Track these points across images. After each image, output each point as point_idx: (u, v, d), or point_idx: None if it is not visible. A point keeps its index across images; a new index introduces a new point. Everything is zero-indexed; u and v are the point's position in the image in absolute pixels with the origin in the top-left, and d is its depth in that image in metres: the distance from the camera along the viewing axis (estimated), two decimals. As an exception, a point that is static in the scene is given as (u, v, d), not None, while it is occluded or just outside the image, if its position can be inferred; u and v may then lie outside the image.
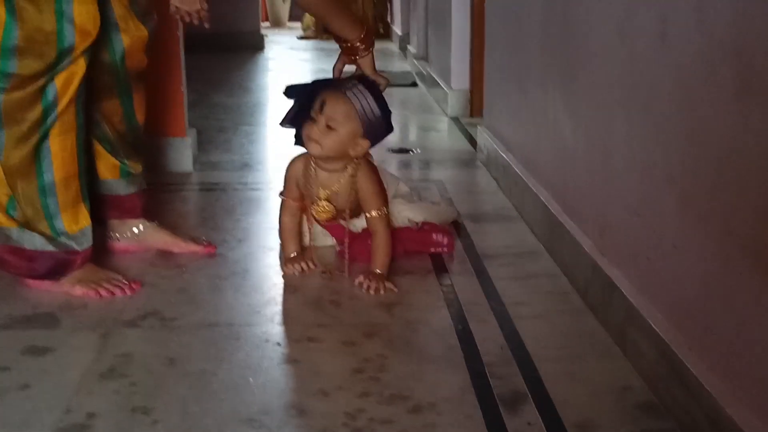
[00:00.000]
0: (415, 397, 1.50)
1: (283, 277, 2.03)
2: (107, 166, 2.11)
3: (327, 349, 1.69)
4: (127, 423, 1.43)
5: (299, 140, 2.02)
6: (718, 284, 1.31)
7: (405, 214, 2.17)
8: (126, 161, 2.12)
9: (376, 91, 1.96)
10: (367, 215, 1.98)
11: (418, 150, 3.48)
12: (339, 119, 1.91)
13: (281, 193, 2.09)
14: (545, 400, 1.49)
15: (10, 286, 1.99)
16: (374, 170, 2.01)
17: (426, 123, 4.15)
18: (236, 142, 3.64)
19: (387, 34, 8.85)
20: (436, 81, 4.63)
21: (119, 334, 1.76)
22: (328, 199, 2.01)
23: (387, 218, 1.99)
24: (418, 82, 5.36)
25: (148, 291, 1.97)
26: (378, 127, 1.96)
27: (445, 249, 2.15)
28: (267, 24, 10.58)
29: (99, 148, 2.08)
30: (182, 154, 3.06)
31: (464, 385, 1.55)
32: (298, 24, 10.04)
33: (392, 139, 3.22)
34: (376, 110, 1.93)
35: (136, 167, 2.15)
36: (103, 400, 1.50)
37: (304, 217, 2.12)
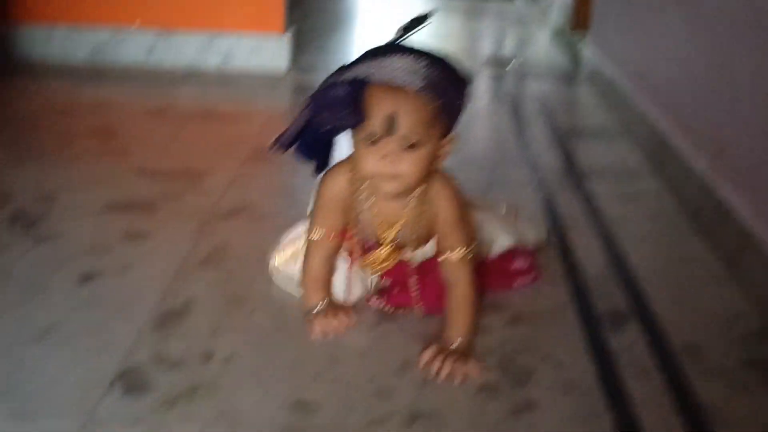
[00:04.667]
0: (513, 308, 1.46)
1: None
2: None
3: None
4: (225, 310, 1.42)
5: (324, 163, 1.35)
6: None
7: (499, 240, 1.51)
8: None
9: (443, 59, 1.23)
10: (448, 257, 1.31)
11: (516, 60, 3.36)
12: (423, 130, 1.20)
13: (311, 228, 1.36)
14: (650, 320, 1.44)
15: (109, 171, 2.00)
16: (452, 184, 1.32)
17: (524, 36, 4.02)
18: (333, 44, 3.58)
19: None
20: (536, -7, 4.48)
21: (215, 225, 1.75)
22: (394, 240, 1.34)
23: (475, 258, 1.35)
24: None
25: (244, 185, 1.95)
26: (461, 108, 1.26)
27: (532, 279, 1.52)
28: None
29: None
30: (278, 53, 3.01)
31: (564, 299, 1.50)
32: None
33: (487, 51, 3.12)
34: (459, 93, 1.25)
35: None
36: (199, 288, 1.49)
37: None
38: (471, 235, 1.33)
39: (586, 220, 1.83)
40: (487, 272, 1.44)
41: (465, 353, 1.27)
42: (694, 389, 1.25)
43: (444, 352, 1.27)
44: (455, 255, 1.30)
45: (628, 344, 1.37)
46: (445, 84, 1.20)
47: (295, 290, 1.44)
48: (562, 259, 1.64)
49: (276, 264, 1.48)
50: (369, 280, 1.41)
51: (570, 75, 3.15)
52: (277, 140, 1.30)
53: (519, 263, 1.50)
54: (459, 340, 1.29)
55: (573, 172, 2.11)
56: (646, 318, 1.44)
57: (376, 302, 1.42)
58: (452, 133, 1.27)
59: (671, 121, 2.06)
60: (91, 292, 1.47)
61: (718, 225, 1.67)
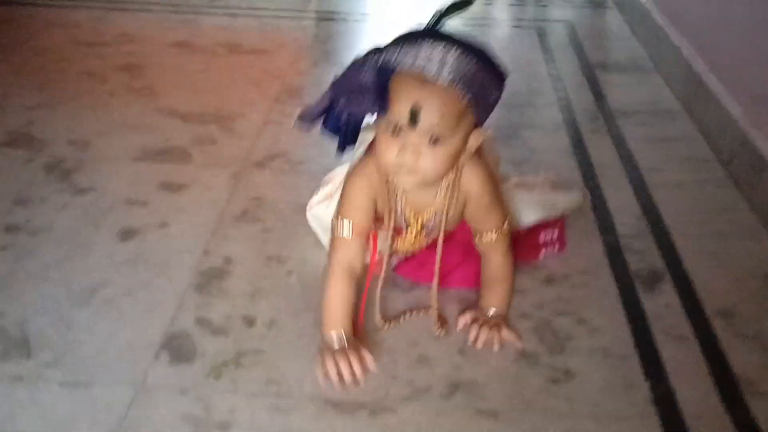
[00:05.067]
0: (548, 268, 1.47)
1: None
2: None
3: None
4: (263, 271, 1.45)
5: (348, 146, 1.26)
6: None
7: (525, 215, 1.48)
8: None
9: (480, 49, 1.15)
10: (484, 238, 1.31)
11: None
12: (449, 125, 1.13)
13: (337, 225, 1.27)
14: (684, 280, 1.45)
15: (140, 113, 2.00)
16: (485, 166, 1.28)
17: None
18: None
19: None
20: None
21: (249, 175, 1.76)
22: (422, 227, 1.31)
23: (508, 238, 1.33)
24: None
25: (276, 131, 1.95)
26: (495, 102, 1.19)
27: (557, 249, 1.50)
28: None
29: None
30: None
31: (599, 257, 1.51)
32: None
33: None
34: (492, 85, 1.16)
35: None
36: (238, 244, 1.51)
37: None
38: (504, 214, 1.31)
39: (617, 167, 1.83)
40: (514, 245, 1.37)
41: (501, 321, 1.29)
42: (728, 356, 1.27)
43: (481, 318, 1.29)
44: (492, 236, 1.30)
45: (663, 306, 1.39)
46: (478, 77, 1.12)
47: (321, 232, 1.45)
48: (594, 213, 1.65)
49: (312, 202, 1.48)
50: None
51: (599, 0, 3.09)
52: (301, 115, 1.24)
53: (546, 236, 1.48)
54: (494, 309, 1.30)
55: (604, 112, 2.10)
56: (680, 277, 1.46)
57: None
58: (481, 129, 1.20)
59: (707, 61, 2.03)
60: (132, 249, 1.50)
61: (752, 175, 1.67)
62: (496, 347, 1.26)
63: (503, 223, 1.30)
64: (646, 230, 1.60)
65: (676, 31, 2.27)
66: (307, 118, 1.23)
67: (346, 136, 1.22)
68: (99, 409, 1.14)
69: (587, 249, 1.54)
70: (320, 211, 1.46)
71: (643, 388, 1.21)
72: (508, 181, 1.49)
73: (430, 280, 1.31)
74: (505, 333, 1.27)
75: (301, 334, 1.29)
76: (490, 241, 1.30)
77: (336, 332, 1.22)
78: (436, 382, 1.21)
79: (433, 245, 1.31)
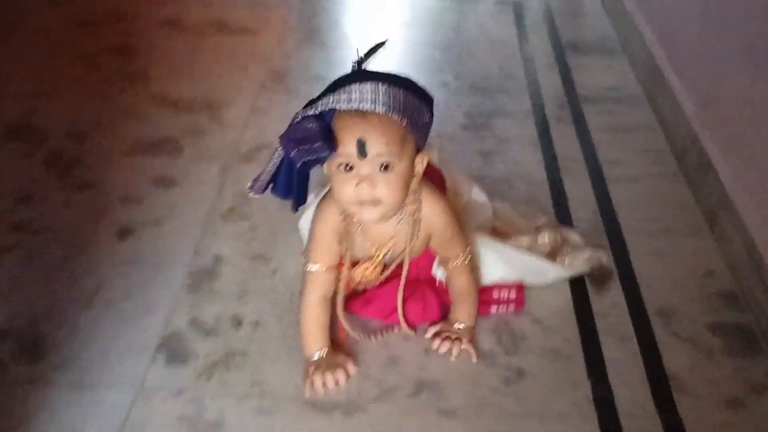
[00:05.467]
0: (510, 265, 1.62)
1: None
2: None
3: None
4: (250, 271, 1.59)
5: (300, 205, 1.37)
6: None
7: (496, 274, 1.52)
8: None
9: (404, 81, 1.25)
10: (450, 264, 1.41)
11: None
12: (396, 151, 1.23)
13: (307, 263, 1.38)
14: (631, 280, 1.60)
15: (134, 101, 2.12)
16: (441, 197, 1.38)
17: None
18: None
19: None
20: None
21: (237, 168, 1.89)
22: (383, 258, 1.40)
23: (474, 259, 1.44)
24: None
25: (262, 120, 2.08)
26: (427, 126, 1.30)
27: (513, 309, 1.51)
28: None
29: None
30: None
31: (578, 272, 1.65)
32: None
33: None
34: (423, 108, 1.27)
35: None
36: (226, 243, 1.66)
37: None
38: (466, 239, 1.42)
39: (579, 159, 1.96)
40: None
41: (464, 335, 1.43)
42: (663, 356, 1.43)
43: (448, 330, 1.43)
44: (458, 261, 1.40)
45: (610, 305, 1.54)
46: (409, 103, 1.23)
47: None
48: (555, 208, 1.79)
49: (301, 224, 1.59)
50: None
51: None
52: (253, 184, 1.33)
53: (502, 293, 1.52)
54: (462, 324, 1.43)
55: (570, 99, 2.22)
56: (627, 276, 1.61)
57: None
58: (424, 151, 1.30)
59: (667, 52, 2.14)
60: (129, 248, 1.64)
61: (701, 174, 1.80)
62: (452, 358, 1.40)
63: (467, 247, 1.41)
64: (600, 227, 1.74)
65: (642, 15, 2.37)
66: (259, 185, 1.32)
67: (298, 195, 1.33)
68: (104, 410, 1.30)
69: (546, 246, 1.68)
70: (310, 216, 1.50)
71: (585, 388, 1.37)
72: (517, 239, 1.57)
73: (377, 317, 1.45)
74: (464, 345, 1.41)
75: (284, 335, 1.44)
76: (457, 266, 1.41)
77: (318, 352, 1.37)
78: (403, 382, 1.37)
79: (386, 282, 1.44)
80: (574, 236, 1.65)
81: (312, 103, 1.24)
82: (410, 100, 1.24)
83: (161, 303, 1.51)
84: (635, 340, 1.47)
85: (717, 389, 1.37)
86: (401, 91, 1.23)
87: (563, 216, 1.77)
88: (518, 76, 2.34)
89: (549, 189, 1.86)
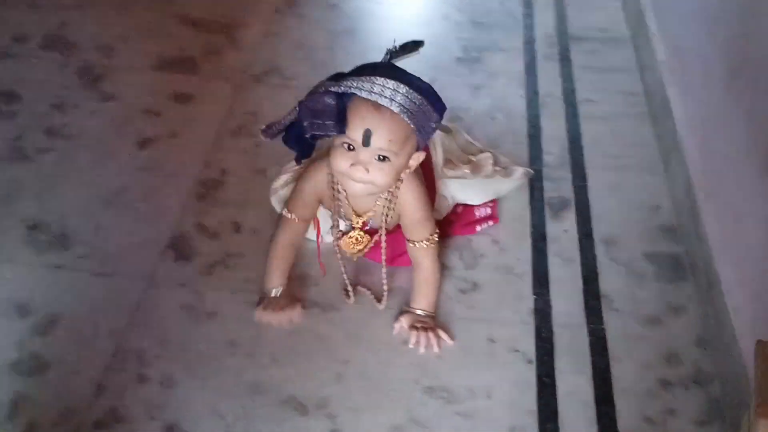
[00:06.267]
0: (480, 191, 1.84)
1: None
2: None
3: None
4: (252, 183, 1.82)
5: (304, 158, 1.49)
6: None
7: (457, 197, 1.73)
8: None
9: (425, 86, 1.39)
10: (415, 246, 1.52)
11: None
12: (396, 149, 1.37)
13: (285, 209, 1.56)
14: (585, 209, 1.82)
15: (158, 20, 2.32)
16: (417, 181, 1.50)
17: None
18: None
19: None
20: None
21: (247, 89, 2.10)
22: (362, 228, 1.55)
23: (437, 246, 1.54)
24: None
25: (274, 44, 2.28)
26: (432, 131, 1.44)
27: (491, 221, 1.75)
28: None
29: None
30: None
31: (522, 185, 1.86)
32: None
33: None
34: (433, 115, 1.40)
35: None
36: (234, 157, 1.88)
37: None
38: (434, 226, 1.53)
39: (558, 96, 2.15)
40: (452, 222, 1.70)
41: (432, 323, 1.52)
42: (600, 278, 1.66)
43: (415, 322, 1.51)
44: (422, 245, 1.51)
45: (563, 231, 1.76)
46: (422, 109, 1.35)
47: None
48: (529, 142, 1.99)
49: (274, 186, 1.71)
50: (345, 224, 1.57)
51: None
52: (266, 128, 1.48)
53: (480, 212, 1.74)
54: (423, 310, 1.53)
55: (560, 37, 2.39)
56: (582, 206, 1.82)
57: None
58: (419, 151, 1.43)
59: (652, -2, 2.30)
60: (147, 156, 1.87)
61: (663, 117, 2.00)
62: (436, 349, 1.49)
63: (432, 235, 1.51)
64: (567, 161, 1.95)
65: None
66: (271, 132, 1.47)
67: (304, 150, 1.46)
68: (120, 295, 1.55)
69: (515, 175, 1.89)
70: (284, 193, 1.66)
71: (529, 301, 1.61)
72: (460, 168, 1.75)
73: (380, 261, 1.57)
74: (441, 334, 1.50)
75: (276, 241, 1.68)
76: (421, 248, 1.51)
77: (275, 289, 1.54)
78: (373, 289, 1.60)
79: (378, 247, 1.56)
80: (501, 157, 1.86)
81: (339, 78, 1.36)
82: (424, 106, 1.36)
83: (172, 207, 1.74)
84: (579, 262, 1.70)
85: (641, 308, 1.60)
86: (419, 96, 1.35)
87: (536, 151, 1.97)
88: (516, 13, 2.51)
89: (527, 123, 2.06)
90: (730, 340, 1.43)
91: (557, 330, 1.55)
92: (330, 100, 1.35)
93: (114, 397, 1.38)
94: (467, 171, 1.75)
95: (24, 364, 1.42)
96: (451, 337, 1.51)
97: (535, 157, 1.95)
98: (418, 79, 1.39)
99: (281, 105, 1.98)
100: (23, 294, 1.53)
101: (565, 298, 1.62)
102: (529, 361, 1.49)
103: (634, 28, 2.38)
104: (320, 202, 1.54)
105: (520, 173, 1.83)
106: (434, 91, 1.40)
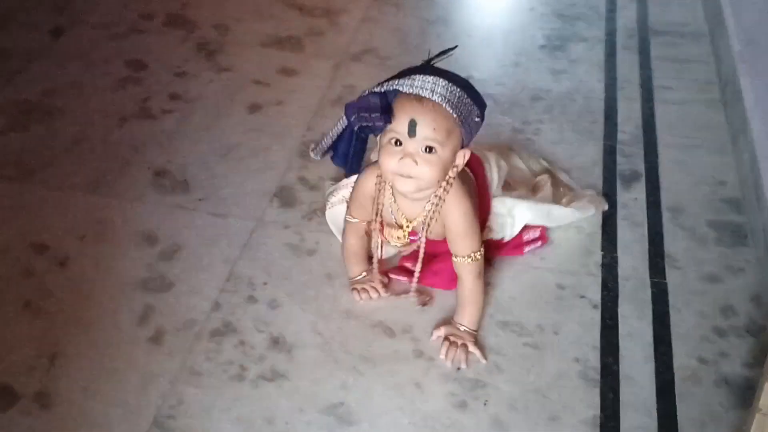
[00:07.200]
0: (557, 161, 2.00)
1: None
2: None
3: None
4: (349, 146, 2.01)
5: (353, 173, 1.62)
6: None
7: (522, 217, 1.72)
8: None
9: (463, 81, 1.45)
10: (458, 260, 1.53)
11: None
12: (441, 139, 1.40)
13: (347, 214, 1.62)
14: (654, 181, 1.96)
15: (269, 5, 2.55)
16: (465, 196, 1.51)
17: None
18: None
19: None
20: None
21: (347, 66, 2.31)
22: (411, 230, 1.56)
23: (481, 264, 1.54)
24: None
25: (371, 28, 2.48)
26: (476, 127, 1.48)
27: (540, 244, 1.76)
28: None
29: None
30: None
31: (596, 157, 2.03)
32: None
33: None
34: (475, 109, 1.45)
35: None
36: (331, 123, 2.05)
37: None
38: (478, 243, 1.53)
39: (635, 82, 2.31)
40: (500, 246, 1.72)
41: (469, 338, 1.53)
42: (665, 240, 1.81)
43: (452, 335, 1.54)
44: (464, 260, 1.52)
45: (633, 199, 1.92)
46: (462, 101, 1.41)
47: (335, 230, 1.74)
48: (605, 120, 2.15)
49: (332, 200, 1.74)
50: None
51: None
52: (315, 146, 1.61)
53: (529, 235, 1.74)
54: (464, 327, 1.54)
55: (640, 30, 2.54)
56: (652, 179, 1.97)
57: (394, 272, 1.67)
58: (465, 149, 1.47)
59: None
60: (257, 120, 2.09)
61: (734, 103, 2.13)
62: (463, 366, 1.51)
63: (476, 252, 1.52)
64: (640, 139, 2.10)
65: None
66: (322, 147, 1.59)
67: (352, 165, 1.57)
68: (233, 232, 1.76)
69: (591, 150, 2.05)
70: (338, 211, 1.71)
71: (596, 256, 1.76)
72: (519, 190, 1.77)
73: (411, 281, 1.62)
74: (471, 349, 1.52)
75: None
76: (462, 263, 1.52)
77: (359, 276, 1.64)
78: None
79: (410, 255, 1.64)
80: (567, 180, 1.90)
81: (382, 83, 1.45)
82: (465, 99, 1.42)
83: (278, 163, 1.96)
84: (646, 226, 1.84)
85: (701, 267, 1.75)
86: (458, 89, 1.41)
87: (610, 128, 2.13)
88: (600, 7, 2.67)
89: (603, 105, 2.22)
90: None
91: (622, 282, 1.70)
92: (375, 99, 1.43)
93: (227, 313, 1.58)
94: (524, 192, 1.78)
95: (152, 282, 1.64)
96: (484, 357, 1.52)
97: (609, 136, 2.11)
98: (456, 75, 1.44)
99: (376, 79, 2.20)
100: (151, 226, 1.76)
101: (631, 255, 1.77)
102: (595, 306, 1.65)
103: (711, 23, 2.51)
104: (373, 205, 1.56)
105: (588, 204, 1.81)
106: (473, 86, 1.46)
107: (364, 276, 1.64)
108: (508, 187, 1.77)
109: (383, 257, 1.64)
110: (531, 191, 1.80)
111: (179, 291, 1.62)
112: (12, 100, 2.10)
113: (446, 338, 1.54)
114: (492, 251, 1.68)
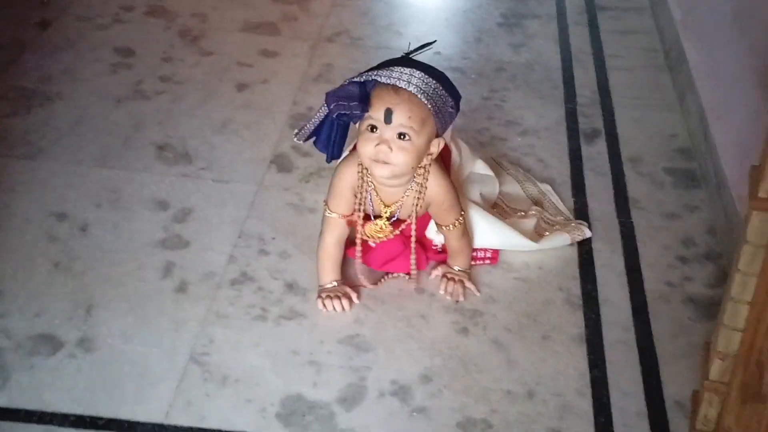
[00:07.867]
0: (525, 124, 2.20)
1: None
2: None
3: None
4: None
5: (334, 159, 1.64)
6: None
7: (483, 240, 1.76)
8: None
9: (439, 74, 1.52)
10: (444, 228, 1.66)
11: None
12: (415, 127, 1.47)
13: (326, 209, 1.64)
14: (614, 137, 2.17)
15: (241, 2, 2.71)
16: (445, 174, 1.62)
17: None
18: None
19: None
20: None
21: (322, 46, 2.47)
22: (389, 218, 1.62)
23: (464, 223, 1.66)
24: None
25: (341, 12, 2.65)
26: (450, 117, 1.56)
27: (488, 261, 1.78)
28: None
29: None
30: None
31: (559, 119, 2.23)
32: None
33: None
34: (449, 100, 1.52)
35: None
36: (315, 98, 2.24)
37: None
38: (460, 210, 1.64)
39: (588, 52, 2.52)
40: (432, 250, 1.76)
41: (464, 276, 1.69)
42: (627, 185, 2.01)
43: (447, 273, 1.69)
44: (450, 228, 1.64)
45: (596, 153, 2.12)
46: (437, 92, 1.48)
47: None
48: (564, 87, 2.35)
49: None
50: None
51: None
52: (299, 131, 1.62)
53: (479, 252, 1.76)
54: (458, 267, 1.70)
55: (588, 7, 2.76)
56: (611, 134, 2.18)
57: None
58: (439, 138, 1.54)
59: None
60: (246, 97, 2.24)
61: (678, 65, 2.35)
62: (461, 298, 1.68)
63: (458, 218, 1.64)
64: (597, 101, 2.31)
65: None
66: (304, 132, 1.61)
67: (333, 151, 1.61)
68: (237, 197, 1.91)
69: (554, 112, 2.25)
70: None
71: (568, 202, 1.96)
72: (512, 216, 1.85)
73: (372, 265, 1.69)
74: (467, 284, 1.69)
75: (358, 159, 2.04)
76: (449, 230, 1.65)
77: (329, 282, 1.66)
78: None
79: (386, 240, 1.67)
80: (563, 211, 1.91)
81: (360, 74, 1.51)
82: (439, 90, 1.49)
83: (271, 134, 2.11)
84: (609, 174, 2.05)
85: (662, 207, 1.95)
86: (433, 81, 1.49)
87: (569, 93, 2.33)
88: (549, -15, 2.88)
89: (561, 73, 2.42)
90: (737, 225, 1.78)
91: (594, 222, 1.90)
92: (354, 88, 1.50)
93: (243, 265, 1.73)
94: (512, 220, 1.83)
95: (170, 241, 1.78)
96: (478, 291, 1.68)
97: (569, 99, 2.31)
98: (432, 67, 1.52)
99: (351, 58, 2.40)
100: (161, 194, 1.90)
101: (599, 200, 1.97)
102: (572, 245, 1.84)
103: (653, -2, 2.74)
104: (355, 195, 1.61)
105: (563, 233, 1.82)
106: (448, 78, 1.54)
107: (335, 286, 1.66)
108: (501, 211, 1.86)
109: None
110: (519, 218, 1.85)
111: (196, 248, 1.77)
112: (11, 86, 2.22)
113: (443, 276, 1.71)
114: (428, 251, 1.75)
